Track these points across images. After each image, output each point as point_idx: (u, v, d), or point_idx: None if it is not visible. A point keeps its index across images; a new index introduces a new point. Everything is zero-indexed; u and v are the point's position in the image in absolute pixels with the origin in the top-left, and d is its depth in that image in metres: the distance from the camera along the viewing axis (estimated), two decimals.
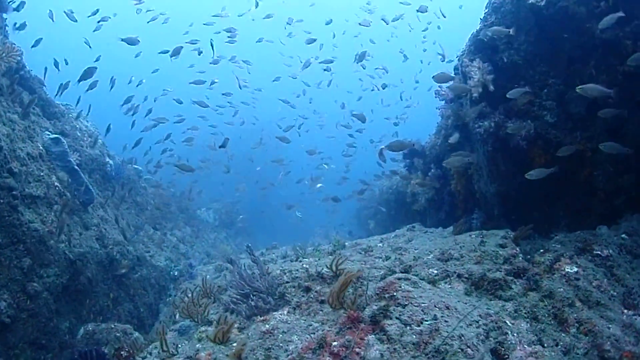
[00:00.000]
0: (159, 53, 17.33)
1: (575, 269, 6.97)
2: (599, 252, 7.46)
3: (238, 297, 7.38)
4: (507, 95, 8.48)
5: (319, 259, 8.87)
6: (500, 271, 7.03)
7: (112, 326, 10.25)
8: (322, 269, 7.51)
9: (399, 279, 6.34)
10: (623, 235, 7.96)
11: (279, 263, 10.48)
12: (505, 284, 6.79)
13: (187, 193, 22.60)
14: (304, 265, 8.27)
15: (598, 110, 8.11)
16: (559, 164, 8.46)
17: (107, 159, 15.50)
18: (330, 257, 9.52)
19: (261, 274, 7.51)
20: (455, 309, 5.77)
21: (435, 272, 7.18)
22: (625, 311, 6.44)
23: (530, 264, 7.33)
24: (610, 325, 6.05)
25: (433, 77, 10.07)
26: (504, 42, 8.86)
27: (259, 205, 32.34)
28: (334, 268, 7.37)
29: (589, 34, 8.27)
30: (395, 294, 5.81)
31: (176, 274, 15.27)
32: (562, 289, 6.64)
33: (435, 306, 5.60)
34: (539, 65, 8.83)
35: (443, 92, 10.88)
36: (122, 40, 14.61)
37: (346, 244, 11.19)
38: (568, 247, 7.74)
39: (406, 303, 5.61)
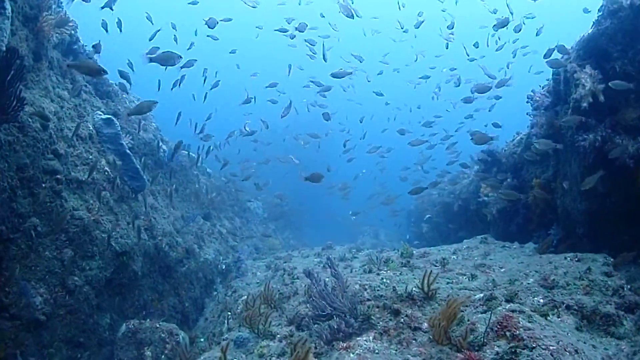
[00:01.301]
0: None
1: None
2: None
3: (317, 317, 6.60)
4: None
5: (400, 274, 8.09)
6: (611, 304, 6.29)
7: (157, 325, 9.29)
8: (411, 287, 6.73)
9: (513, 310, 5.51)
10: None
11: (350, 272, 9.71)
12: (618, 319, 6.03)
13: (239, 183, 21.40)
14: (385, 280, 7.53)
15: None
16: None
17: (161, 144, 14.65)
18: (405, 268, 8.82)
19: (342, 291, 6.72)
20: (583, 352, 4.93)
21: (542, 301, 6.39)
22: None
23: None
24: None
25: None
26: (619, 50, 7.97)
27: (308, 199, 31.26)
28: (425, 288, 6.60)
29: None
30: (517, 332, 5.00)
31: (224, 267, 14.49)
32: None
33: (565, 350, 4.78)
34: None
35: (537, 98, 9.92)
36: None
37: (414, 252, 10.38)
38: None
39: (533, 345, 4.80)
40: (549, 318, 5.91)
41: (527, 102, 10.38)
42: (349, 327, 6.04)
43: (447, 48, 17.74)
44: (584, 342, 5.49)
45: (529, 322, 5.36)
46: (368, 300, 6.69)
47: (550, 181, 10.18)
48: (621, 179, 8.03)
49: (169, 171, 14.68)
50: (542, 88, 10.27)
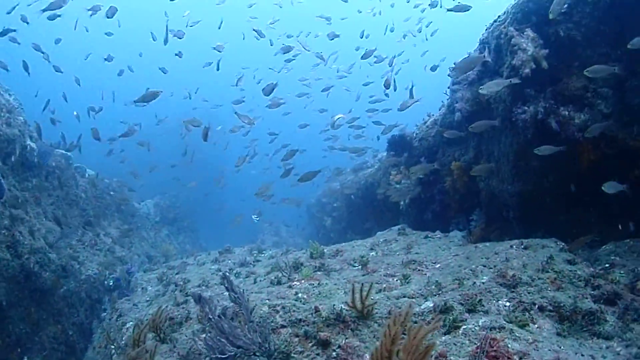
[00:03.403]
0: None
1: None
2: None
3: None
4: None
5: (318, 284, 6.42)
6: (588, 298, 5.11)
7: None
8: (339, 305, 5.07)
9: (492, 328, 3.97)
10: None
11: (253, 282, 7.91)
12: (601, 315, 4.84)
13: (124, 184, 18.74)
14: (301, 295, 5.86)
15: None
16: (608, 161, 6.77)
17: (29, 142, 11.85)
18: (320, 273, 7.22)
19: (246, 320, 4.83)
20: None
21: (508, 304, 4.94)
22: None
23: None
24: None
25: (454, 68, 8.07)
26: (563, 12, 6.84)
27: (204, 199, 28.72)
28: (357, 304, 4.91)
29: None
30: None
31: (112, 283, 12.08)
32: None
33: None
34: (599, 45, 6.92)
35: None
36: None
37: (325, 250, 8.77)
38: (631, 260, 6.18)
39: None
40: (528, 328, 4.47)
41: (449, 75, 9.06)
42: None
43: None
44: (582, 355, 4.10)
45: (516, 342, 3.88)
46: (283, 327, 4.92)
47: (471, 163, 9.00)
48: (563, 156, 6.90)
49: (41, 174, 12.07)
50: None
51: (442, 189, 9.93)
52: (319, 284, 6.44)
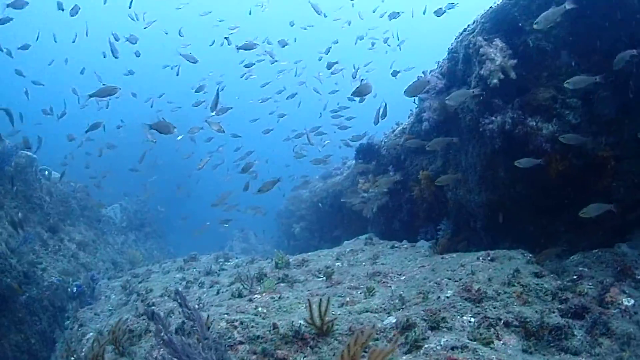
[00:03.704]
0: None
1: (632, 301, 5.20)
2: None
3: None
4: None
5: (279, 297, 6.18)
6: (555, 312, 4.97)
7: None
8: (299, 321, 4.85)
9: (453, 348, 3.79)
10: None
11: (215, 293, 7.62)
12: (569, 330, 4.70)
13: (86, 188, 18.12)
14: (260, 309, 5.64)
15: (629, 114, 6.52)
16: (576, 172, 6.71)
17: None
18: (283, 284, 7.01)
19: (202, 337, 4.52)
20: None
21: (473, 320, 4.77)
22: None
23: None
24: None
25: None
26: (532, 23, 6.61)
27: (173, 203, 28.05)
28: (317, 321, 4.69)
29: (638, 27, 6.43)
30: None
31: (75, 290, 11.59)
32: (632, 329, 4.75)
33: None
34: (569, 55, 6.78)
35: (429, 80, 8.42)
36: None
37: (290, 260, 8.55)
38: (599, 271, 6.05)
39: None
40: (493, 346, 4.30)
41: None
42: None
43: None
44: None
45: None
46: (241, 343, 4.74)
47: (439, 172, 8.84)
48: (531, 167, 6.74)
49: (3, 176, 11.57)
50: (435, 70, 8.84)
51: (410, 198, 9.74)
52: (279, 297, 6.21)
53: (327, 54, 18.97)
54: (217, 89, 10.55)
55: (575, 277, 5.92)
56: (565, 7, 6.09)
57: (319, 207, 15.21)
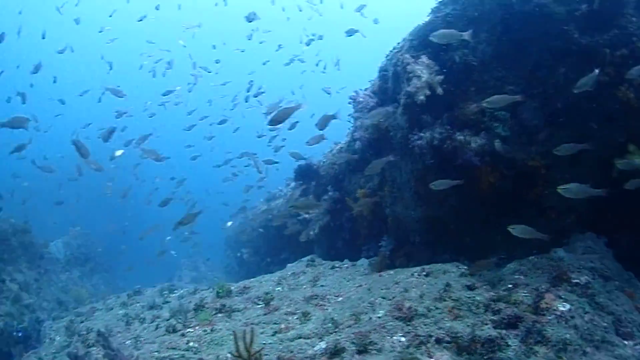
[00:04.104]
0: None
1: (568, 306, 5.14)
2: (577, 281, 5.68)
3: None
4: None
5: (211, 330, 5.93)
6: (488, 324, 4.89)
7: None
8: (225, 354, 4.63)
9: None
10: (587, 258, 6.26)
11: (154, 329, 7.29)
12: (502, 341, 4.63)
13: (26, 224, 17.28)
14: (192, 344, 5.41)
15: (557, 123, 6.60)
16: (508, 182, 6.76)
17: None
18: (221, 315, 6.76)
19: None
20: None
21: (403, 340, 4.63)
22: (626, 342, 4.99)
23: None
24: None
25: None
26: (459, 39, 6.68)
27: (120, 235, 26.94)
28: (243, 354, 4.45)
29: (565, 38, 6.60)
30: None
31: (20, 335, 10.92)
32: (569, 335, 4.71)
33: None
34: (496, 69, 6.89)
35: (361, 99, 8.39)
36: None
37: (232, 288, 8.30)
38: (535, 278, 5.94)
39: None
40: None
41: (349, 103, 8.85)
42: None
43: None
44: None
45: None
46: None
47: (376, 190, 8.80)
48: (463, 180, 6.75)
49: None
50: (368, 88, 8.82)
51: (351, 216, 9.65)
52: (212, 329, 5.99)
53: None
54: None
55: (510, 285, 5.82)
56: (462, 35, 6.31)
57: (264, 229, 14.97)
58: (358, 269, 8.27)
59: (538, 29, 6.71)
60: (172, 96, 18.19)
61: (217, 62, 21.02)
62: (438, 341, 4.63)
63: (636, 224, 6.72)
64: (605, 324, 5.08)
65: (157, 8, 23.62)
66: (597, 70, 5.93)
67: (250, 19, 13.28)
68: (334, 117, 8.11)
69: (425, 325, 4.88)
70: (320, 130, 8.57)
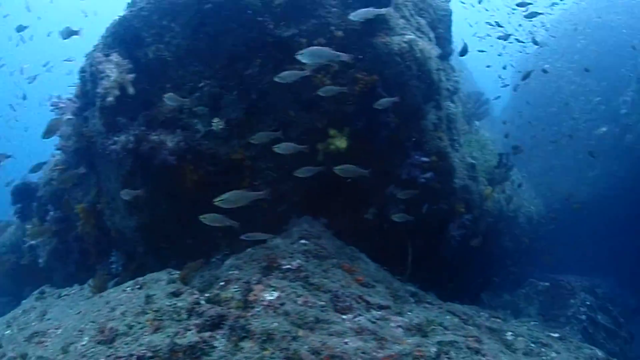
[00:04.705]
0: None
1: (276, 294, 5.08)
2: (288, 266, 5.69)
3: None
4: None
5: None
6: (191, 330, 4.59)
7: None
8: None
9: None
10: (302, 241, 6.34)
11: None
12: (207, 345, 4.41)
13: None
14: None
15: (257, 115, 6.67)
16: (216, 177, 6.69)
17: None
18: None
19: None
20: None
21: None
22: (344, 317, 5.06)
23: (220, 305, 5.06)
24: (346, 340, 4.56)
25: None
26: (153, 34, 6.55)
27: None
28: None
29: (260, 29, 6.60)
30: None
31: None
32: (276, 323, 4.59)
33: None
34: (192, 64, 6.68)
35: (62, 104, 7.60)
36: None
37: None
38: (249, 270, 5.75)
39: None
40: None
41: (52, 111, 7.96)
42: None
43: None
44: None
45: None
46: None
47: (94, 203, 8.20)
48: (165, 181, 6.66)
49: None
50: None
51: (77, 235, 8.84)
52: None
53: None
54: None
55: (223, 283, 5.56)
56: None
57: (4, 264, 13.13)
58: (83, 291, 7.57)
59: (234, 22, 6.66)
60: None
61: None
62: (140, 359, 4.26)
63: (351, 202, 7.18)
64: (322, 303, 5.12)
65: None
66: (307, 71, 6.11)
67: None
68: None
69: (126, 344, 4.43)
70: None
